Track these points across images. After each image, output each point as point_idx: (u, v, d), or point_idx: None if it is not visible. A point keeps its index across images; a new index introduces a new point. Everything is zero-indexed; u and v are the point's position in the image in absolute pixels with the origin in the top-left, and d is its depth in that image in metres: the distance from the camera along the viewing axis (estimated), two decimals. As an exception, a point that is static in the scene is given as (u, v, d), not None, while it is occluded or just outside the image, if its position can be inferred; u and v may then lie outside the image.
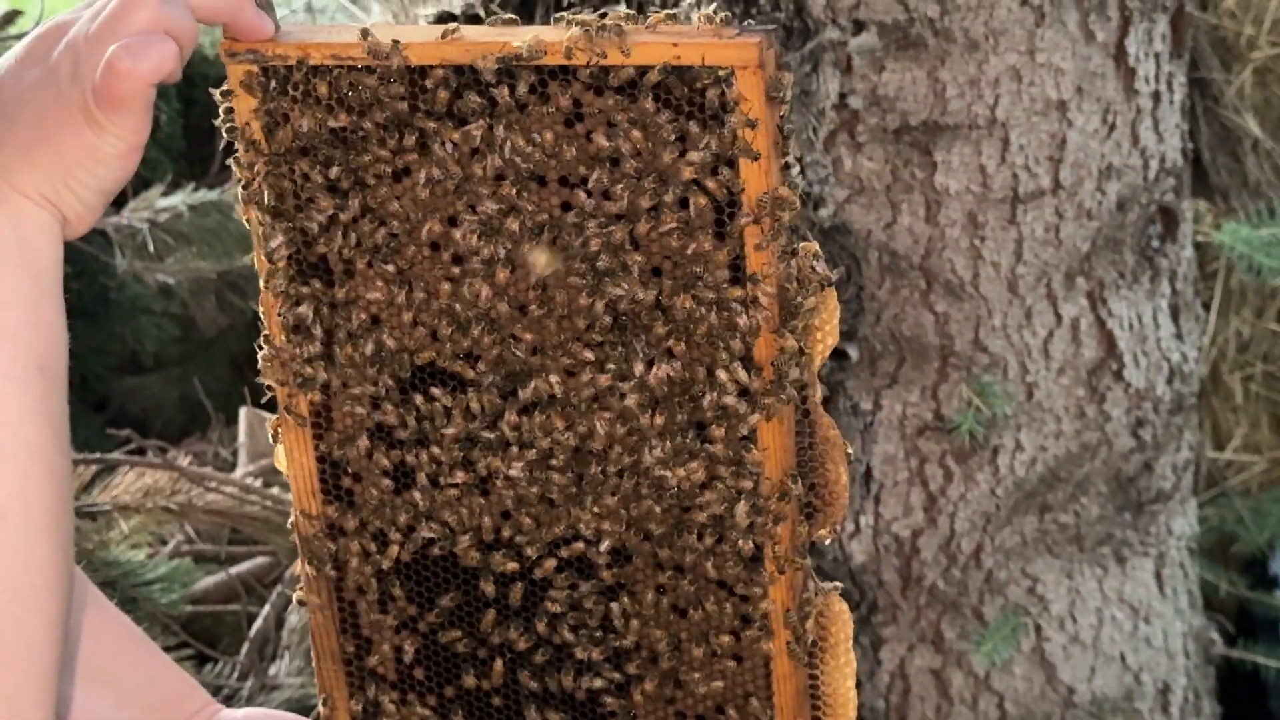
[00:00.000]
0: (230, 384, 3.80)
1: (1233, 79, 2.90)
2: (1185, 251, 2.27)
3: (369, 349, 1.10)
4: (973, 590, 2.29)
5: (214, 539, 2.82)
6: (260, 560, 2.82)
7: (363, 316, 1.10)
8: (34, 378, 0.94)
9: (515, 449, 1.11)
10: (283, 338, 1.11)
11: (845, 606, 1.15)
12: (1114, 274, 2.17)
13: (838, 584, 1.16)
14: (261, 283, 1.12)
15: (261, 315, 1.13)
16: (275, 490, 2.52)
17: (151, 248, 3.44)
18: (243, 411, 2.86)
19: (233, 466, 3.01)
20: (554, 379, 1.08)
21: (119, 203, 3.57)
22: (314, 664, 1.23)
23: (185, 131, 4.01)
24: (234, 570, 2.77)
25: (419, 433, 1.13)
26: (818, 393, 1.10)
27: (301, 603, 1.20)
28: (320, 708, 1.23)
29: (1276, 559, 2.96)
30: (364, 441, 1.14)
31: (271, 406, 1.18)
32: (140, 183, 3.66)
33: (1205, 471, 3.00)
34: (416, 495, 1.14)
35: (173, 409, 3.91)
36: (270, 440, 1.18)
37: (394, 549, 1.16)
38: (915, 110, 2.05)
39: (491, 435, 1.11)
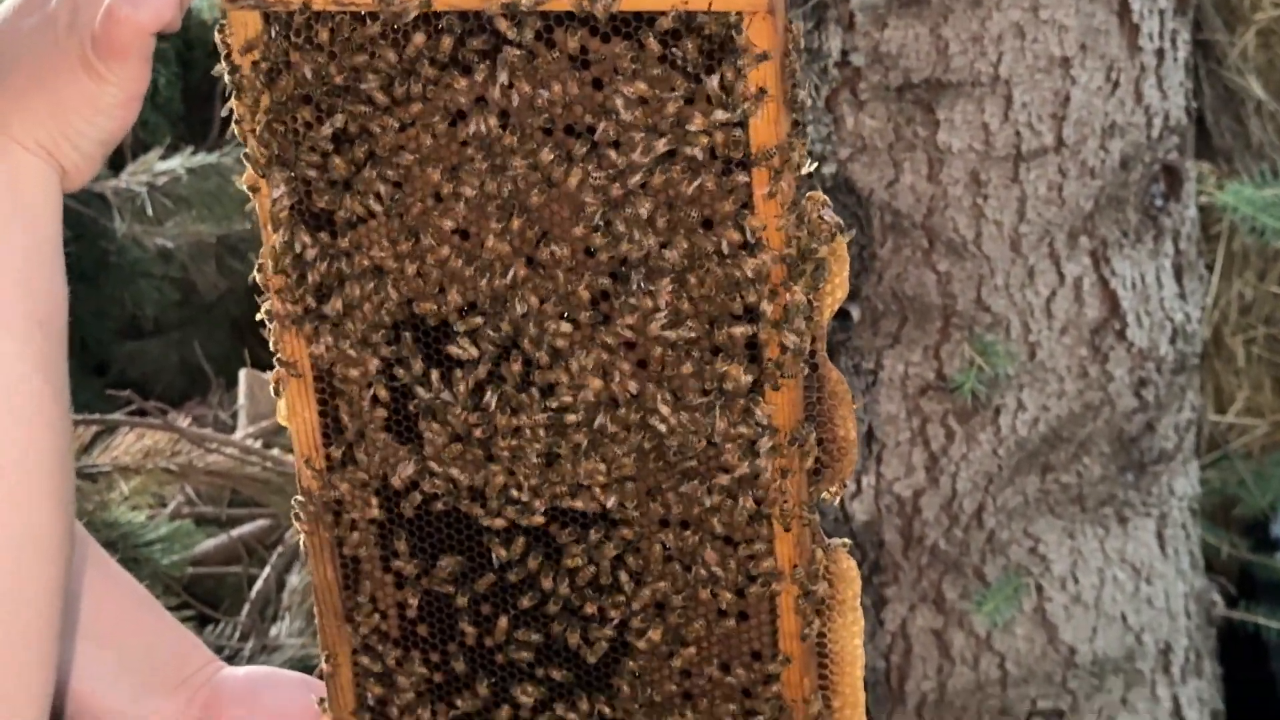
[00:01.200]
0: (230, 348, 3.80)
1: (1236, 40, 2.88)
2: (1189, 211, 2.26)
3: (371, 297, 1.09)
4: (974, 550, 2.29)
5: (214, 501, 2.82)
6: (261, 522, 2.82)
7: (364, 263, 1.09)
8: (34, 333, 0.94)
9: (519, 403, 1.10)
10: (283, 281, 1.10)
11: (853, 563, 1.15)
12: (1117, 233, 2.16)
13: (846, 540, 1.15)
14: (264, 235, 1.11)
15: (261, 268, 1.11)
16: (275, 451, 2.51)
17: (150, 211, 3.43)
18: (242, 373, 2.85)
19: (233, 429, 3.00)
20: (560, 329, 1.07)
21: (117, 166, 3.55)
22: (316, 621, 1.22)
23: (184, 95, 4.00)
24: (235, 532, 2.77)
25: (421, 386, 1.12)
26: (825, 346, 1.09)
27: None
28: (323, 665, 1.23)
29: (1278, 521, 2.96)
30: (365, 394, 1.13)
31: (271, 368, 1.18)
32: (139, 146, 3.65)
33: (1207, 434, 3.00)
34: (419, 450, 1.13)
35: (173, 373, 3.90)
36: (273, 394, 1.17)
37: (396, 503, 1.15)
38: (918, 67, 2.04)
39: (495, 389, 1.10)
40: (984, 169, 2.07)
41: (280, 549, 2.61)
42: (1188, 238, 2.27)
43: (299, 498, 1.19)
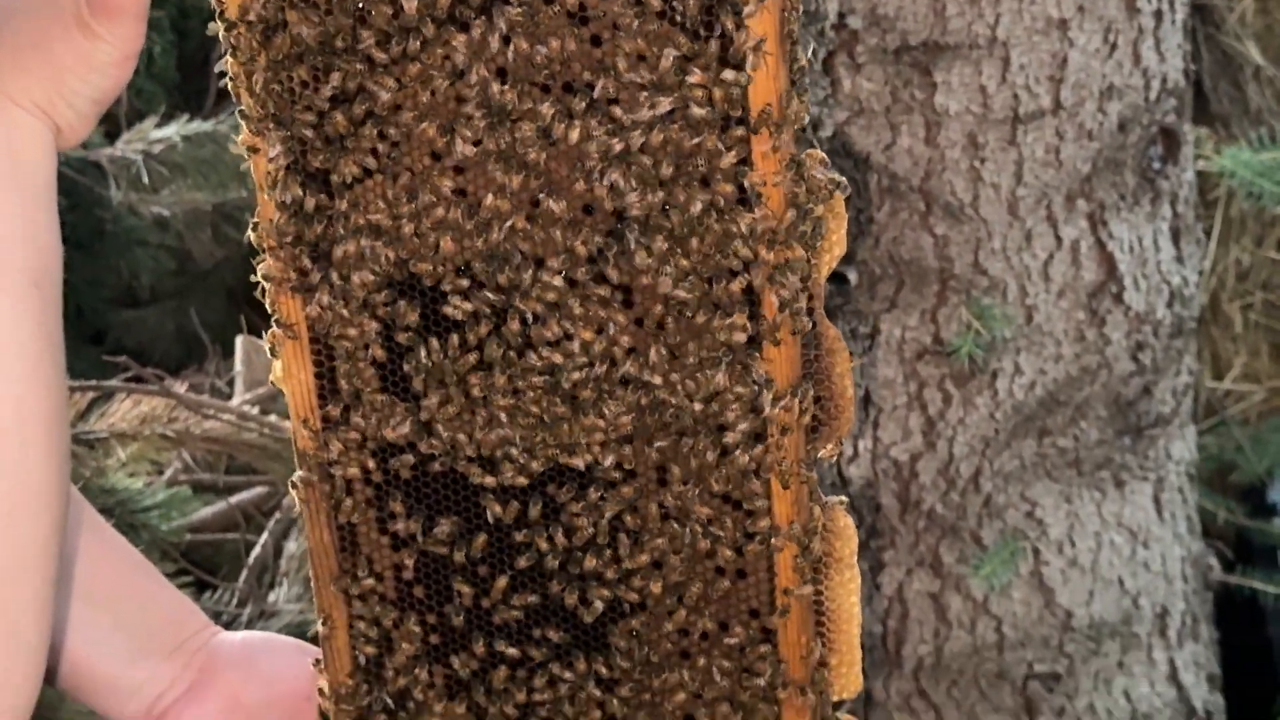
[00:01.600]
0: (226, 316, 3.80)
1: (1234, 5, 2.88)
2: (1186, 174, 2.26)
3: (367, 257, 1.09)
4: (971, 514, 2.29)
5: (211, 468, 2.82)
6: (259, 490, 2.82)
7: (361, 223, 1.09)
8: (29, 292, 0.93)
9: (515, 362, 1.10)
10: (279, 241, 1.10)
11: (850, 521, 1.15)
12: (1114, 196, 2.16)
13: (843, 499, 1.15)
14: (260, 196, 1.11)
15: (256, 228, 1.11)
16: (273, 418, 2.51)
17: (146, 179, 3.42)
18: (239, 340, 2.85)
19: (229, 396, 3.00)
20: (554, 284, 1.07)
21: (113, 135, 3.54)
22: (312, 584, 1.22)
23: (179, 63, 3.99)
24: (233, 499, 2.77)
25: (418, 347, 1.12)
26: (823, 304, 1.09)
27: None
28: (319, 627, 1.23)
29: (1275, 487, 2.97)
30: (362, 356, 1.13)
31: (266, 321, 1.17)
32: (134, 114, 3.64)
33: (1204, 401, 3.00)
34: (415, 411, 1.13)
35: (169, 341, 3.90)
36: (269, 354, 1.17)
37: (393, 465, 1.15)
38: (915, 30, 2.03)
39: (491, 349, 1.10)
40: (981, 132, 2.06)
41: (278, 515, 2.61)
42: (1185, 201, 2.27)
43: (296, 460, 1.19)
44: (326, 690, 1.23)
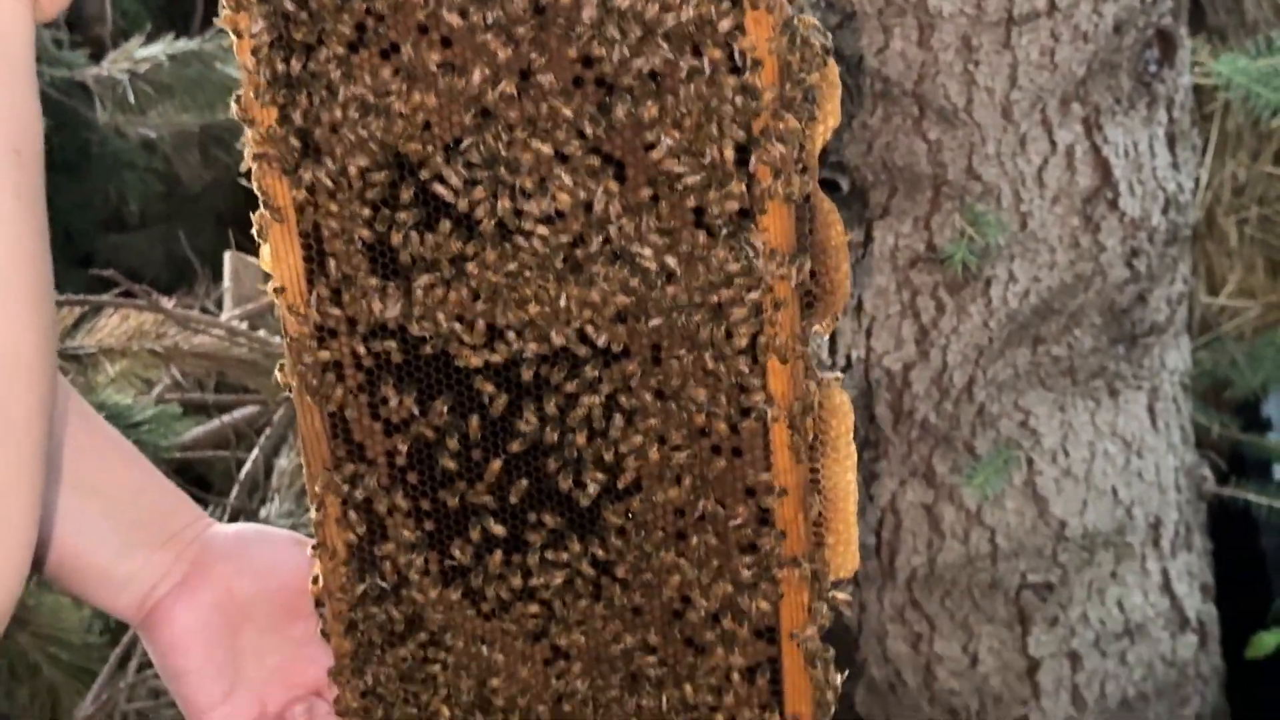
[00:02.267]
0: (216, 241, 3.77)
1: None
2: (1183, 78, 2.24)
3: (354, 135, 1.07)
4: (964, 424, 2.28)
5: (201, 386, 2.80)
6: (250, 409, 2.81)
7: (348, 97, 1.07)
8: (9, 159, 0.92)
9: (507, 238, 1.08)
10: (264, 117, 1.08)
11: (846, 398, 1.14)
12: (1110, 99, 2.14)
13: (838, 374, 1.14)
14: (243, 76, 1.09)
15: (240, 101, 1.09)
16: (262, 333, 2.50)
17: (133, 100, 3.39)
18: (227, 255, 2.83)
19: (219, 316, 2.98)
20: (545, 154, 1.05)
21: (98, 55, 3.51)
22: (305, 473, 1.21)
23: (164, -17, 3.95)
24: (225, 418, 2.76)
25: (406, 227, 1.10)
26: (817, 177, 1.07)
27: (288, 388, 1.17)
28: (312, 514, 1.22)
29: (1269, 402, 2.96)
30: (350, 237, 1.11)
31: (255, 253, 1.16)
32: (119, 34, 3.60)
33: (1199, 316, 2.99)
34: (405, 292, 1.12)
35: (159, 266, 3.87)
36: (257, 237, 1.15)
37: (384, 348, 1.14)
38: (909, -69, 2.01)
39: (483, 225, 1.09)
40: (975, 34, 2.04)
41: (268, 432, 2.60)
42: (1181, 106, 2.25)
43: (285, 347, 1.17)
44: (321, 579, 1.22)
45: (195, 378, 2.76)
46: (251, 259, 2.81)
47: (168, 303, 2.44)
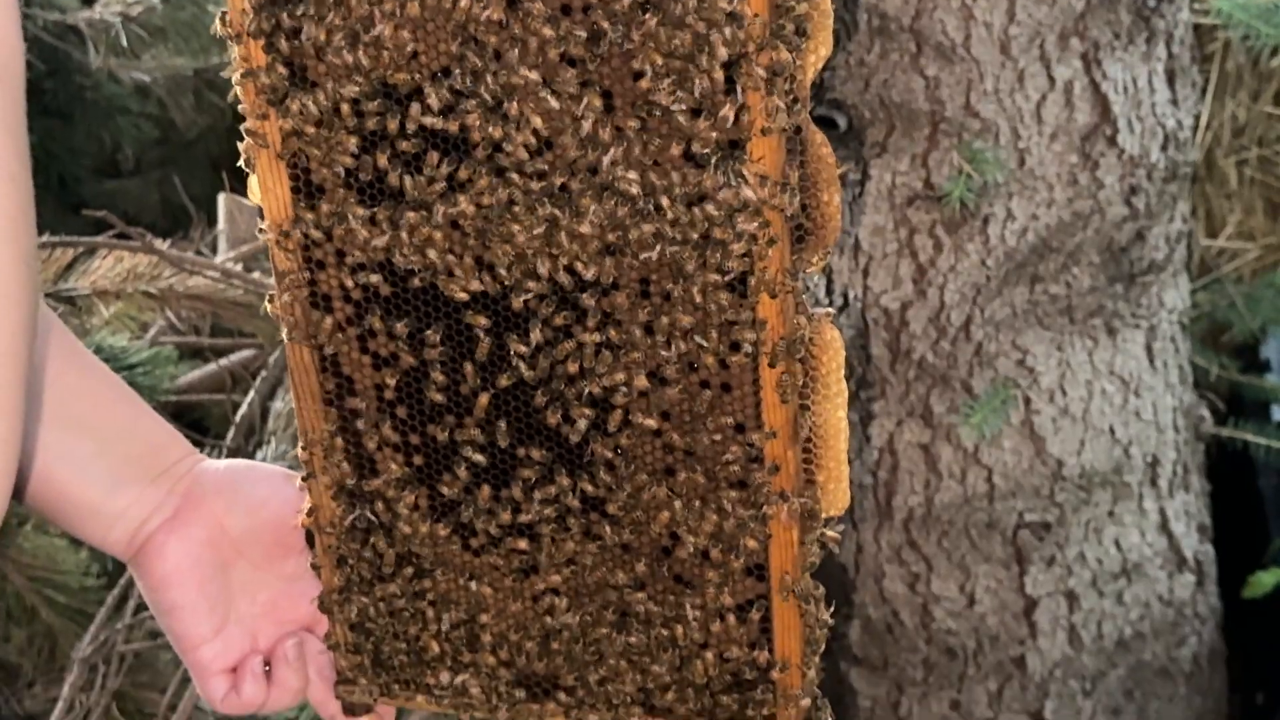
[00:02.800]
0: (211, 186, 3.75)
1: None
2: (1182, 14, 2.22)
3: (343, 62, 1.06)
4: (962, 363, 2.27)
5: (197, 331, 2.79)
6: (246, 352, 2.81)
7: (336, 23, 1.05)
8: None
9: (495, 171, 1.07)
10: (250, 43, 1.07)
11: (837, 334, 1.12)
12: (1109, 34, 2.12)
13: (830, 309, 1.13)
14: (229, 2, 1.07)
15: (227, 20, 1.08)
16: (257, 275, 2.48)
17: (125, 43, 3.37)
18: (221, 198, 2.82)
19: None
20: (534, 80, 1.04)
21: (90, -1, 3.49)
22: (294, 406, 1.20)
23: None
24: (221, 361, 2.75)
25: (394, 158, 1.09)
26: (809, 108, 1.06)
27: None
28: (299, 450, 1.21)
29: (1268, 344, 2.95)
30: (337, 165, 1.10)
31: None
32: (112, -24, 3.57)
33: (1198, 258, 2.98)
34: (394, 224, 1.11)
35: (153, 212, 3.86)
36: (245, 167, 1.14)
37: (372, 280, 1.13)
38: None
39: (469, 154, 1.07)
40: (973, -32, 2.02)
41: (263, 374, 2.59)
42: (1181, 41, 2.23)
43: (274, 280, 1.16)
44: (310, 513, 1.22)
45: (191, 321, 2.75)
46: (246, 201, 2.80)
47: (162, 245, 2.43)
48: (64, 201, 3.65)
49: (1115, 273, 2.26)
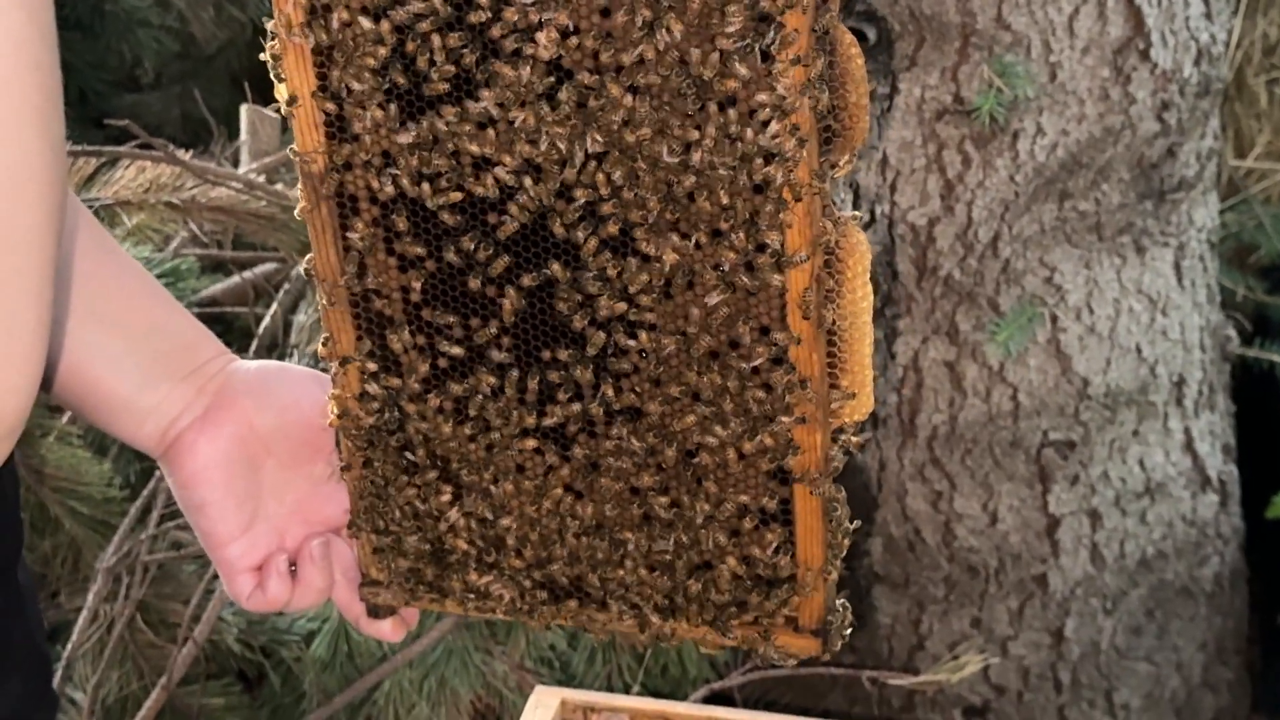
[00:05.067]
0: (231, 101, 3.73)
1: None
2: (1217, -74, 2.18)
3: None
4: (989, 280, 2.26)
5: (219, 244, 2.78)
6: (268, 265, 2.80)
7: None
8: None
9: (520, 63, 1.06)
10: None
11: (863, 237, 1.11)
12: (1143, -54, 2.09)
13: (857, 214, 1.12)
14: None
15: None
16: (279, 187, 2.47)
17: (146, -45, 3.34)
18: (244, 109, 2.80)
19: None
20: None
21: (109, -92, 3.46)
22: (320, 309, 1.19)
23: None
24: (243, 275, 2.74)
25: (423, 50, 1.07)
26: (837, 6, 1.04)
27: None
28: (320, 348, 1.20)
29: (1297, 265, 2.93)
30: (366, 60, 1.08)
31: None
32: (132, -113, 3.54)
33: (1227, 179, 2.95)
34: (422, 124, 1.09)
35: (175, 126, 3.84)
36: (271, 63, 1.12)
37: (399, 179, 1.11)
38: None
39: (502, 48, 1.06)
40: (1007, -123, 1.99)
41: (286, 287, 2.58)
42: (1215, -47, 2.20)
43: (300, 183, 1.15)
44: (338, 413, 1.21)
45: (213, 234, 2.74)
46: (269, 113, 2.78)
47: (184, 155, 2.41)
48: (84, 115, 3.63)
49: (1145, 189, 2.24)
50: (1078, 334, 2.29)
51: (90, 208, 2.36)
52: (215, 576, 2.27)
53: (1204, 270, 2.40)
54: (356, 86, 1.10)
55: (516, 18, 1.04)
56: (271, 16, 1.09)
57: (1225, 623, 2.57)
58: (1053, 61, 2.11)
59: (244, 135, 2.75)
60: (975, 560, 2.41)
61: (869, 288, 1.13)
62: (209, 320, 2.73)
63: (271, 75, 1.12)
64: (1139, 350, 2.34)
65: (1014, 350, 2.25)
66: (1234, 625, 2.60)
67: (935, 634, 2.46)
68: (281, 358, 2.53)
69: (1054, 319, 2.28)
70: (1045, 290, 2.26)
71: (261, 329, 2.53)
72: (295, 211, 1.18)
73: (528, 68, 1.05)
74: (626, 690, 2.26)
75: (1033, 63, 2.10)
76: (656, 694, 2.27)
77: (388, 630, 1.28)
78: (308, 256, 1.17)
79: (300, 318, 2.53)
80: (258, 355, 2.51)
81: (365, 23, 1.07)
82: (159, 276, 2.28)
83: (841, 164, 1.09)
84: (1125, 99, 2.16)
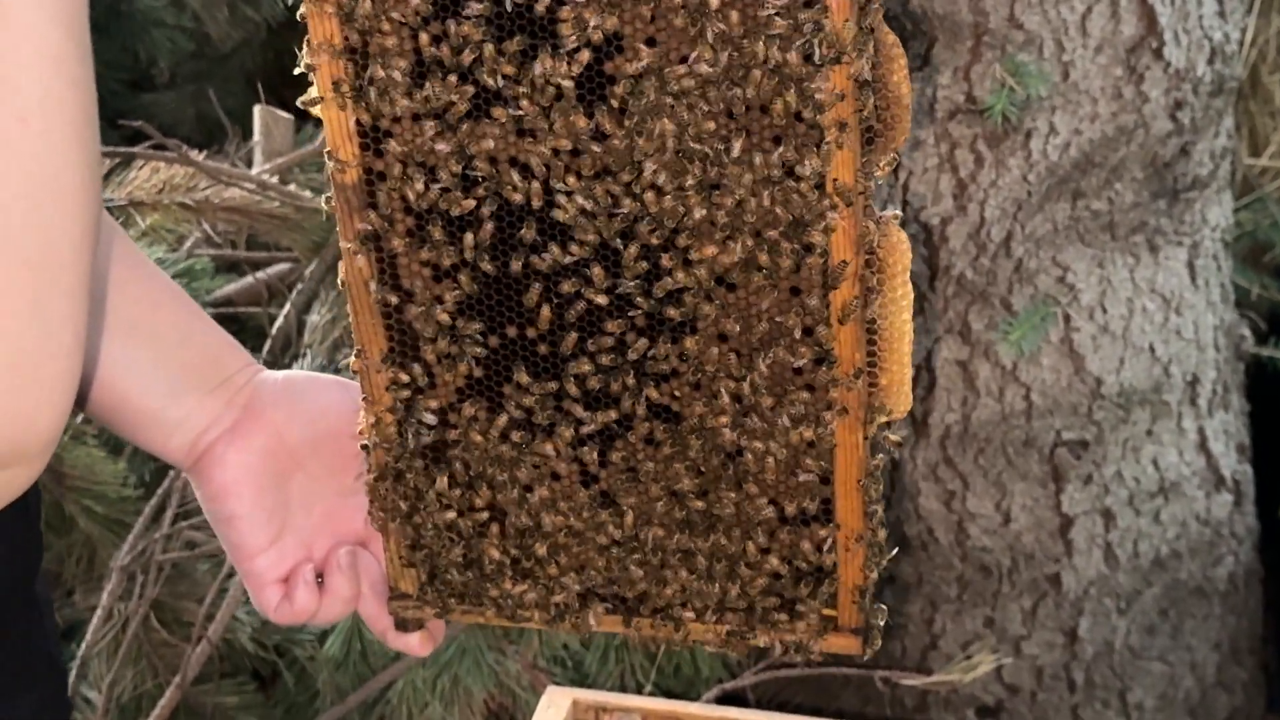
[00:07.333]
0: (246, 101, 3.74)
1: None
2: (1230, -76, 2.18)
3: None
4: (1002, 280, 2.25)
5: (233, 244, 2.79)
6: (281, 266, 2.80)
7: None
8: None
9: (558, 63, 1.05)
10: None
11: (904, 236, 1.11)
12: (1156, -55, 2.08)
13: (897, 213, 1.12)
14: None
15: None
16: (292, 187, 2.48)
17: (160, -45, 3.35)
18: (257, 109, 2.80)
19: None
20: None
21: (123, -92, 3.46)
22: (350, 316, 1.18)
23: None
24: (257, 275, 2.75)
25: (458, 55, 1.07)
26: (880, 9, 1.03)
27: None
28: (353, 360, 1.19)
29: (1310, 264, 2.92)
30: (400, 68, 1.08)
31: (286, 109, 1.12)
32: (146, -113, 3.55)
33: (1241, 178, 2.94)
34: (458, 129, 1.08)
35: (190, 126, 3.85)
36: (303, 51, 1.11)
37: (432, 193, 1.11)
38: None
39: (527, 63, 1.06)
40: (1020, -124, 1.99)
41: (299, 287, 2.59)
42: (1229, -48, 2.19)
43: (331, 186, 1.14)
44: (368, 426, 1.20)
45: (227, 235, 2.75)
46: (282, 114, 2.78)
47: (198, 156, 2.42)
48: (99, 115, 3.64)
49: (1158, 188, 2.24)
50: (1091, 333, 2.29)
51: (104, 208, 2.37)
52: (230, 575, 2.28)
53: (1218, 269, 2.40)
54: (395, 94, 1.09)
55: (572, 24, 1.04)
56: (294, 18, 1.09)
57: (1239, 622, 2.56)
58: (1066, 60, 2.11)
59: (257, 135, 2.76)
60: (988, 560, 2.41)
61: (909, 286, 1.13)
62: (223, 320, 2.73)
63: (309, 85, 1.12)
64: (1152, 349, 2.33)
65: (1027, 350, 2.25)
66: (1248, 625, 2.59)
67: (948, 634, 2.46)
68: (295, 358, 2.53)
69: (1067, 318, 2.27)
70: (1058, 289, 2.26)
71: (275, 329, 2.53)
72: (322, 206, 1.16)
73: (573, 68, 1.05)
74: (639, 690, 2.26)
75: (1045, 62, 2.09)
76: (669, 694, 2.27)
77: (416, 644, 1.27)
78: (339, 266, 1.17)
79: (314, 318, 2.53)
80: (271, 355, 2.52)
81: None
82: (176, 277, 2.28)
83: (883, 164, 1.09)
84: (1138, 98, 2.15)
